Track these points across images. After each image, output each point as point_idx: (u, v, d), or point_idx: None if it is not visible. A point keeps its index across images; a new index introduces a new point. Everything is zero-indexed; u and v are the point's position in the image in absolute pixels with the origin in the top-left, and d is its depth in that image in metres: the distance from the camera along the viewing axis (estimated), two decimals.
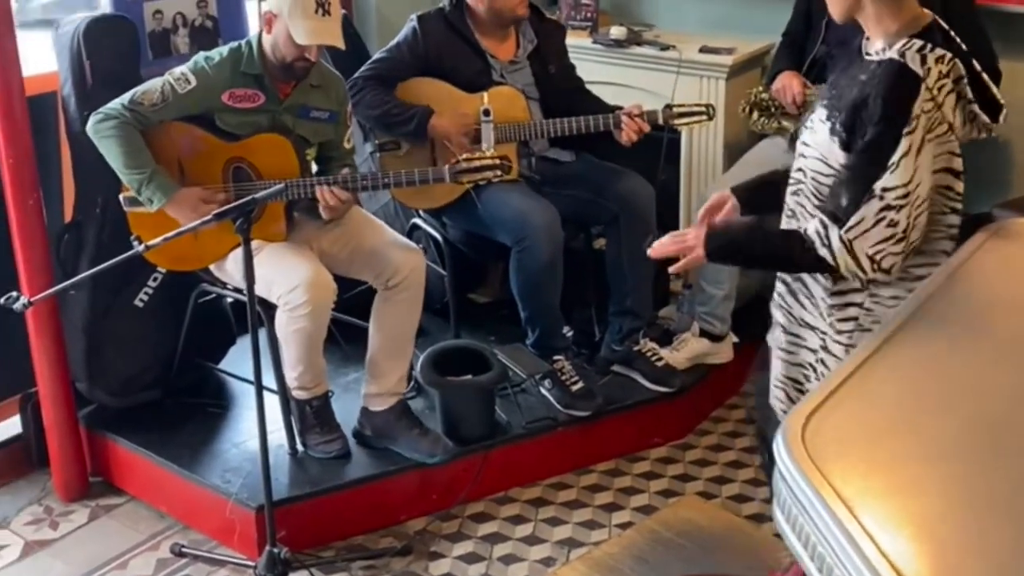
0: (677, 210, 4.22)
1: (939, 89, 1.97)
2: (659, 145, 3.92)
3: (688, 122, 3.45)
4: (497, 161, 3.09)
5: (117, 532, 3.20)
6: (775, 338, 2.33)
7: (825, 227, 2.04)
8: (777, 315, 2.31)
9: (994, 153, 3.75)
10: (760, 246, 2.22)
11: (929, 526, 1.35)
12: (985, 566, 1.25)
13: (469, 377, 3.30)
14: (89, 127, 2.97)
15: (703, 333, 3.65)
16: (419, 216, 3.74)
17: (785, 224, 2.23)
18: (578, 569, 2.91)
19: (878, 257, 2.00)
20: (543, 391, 3.45)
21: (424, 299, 3.25)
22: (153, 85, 3.00)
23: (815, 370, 2.21)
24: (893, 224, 1.97)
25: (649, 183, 3.56)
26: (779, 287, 2.31)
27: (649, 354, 3.54)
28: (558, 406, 3.40)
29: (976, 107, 2.02)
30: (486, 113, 3.38)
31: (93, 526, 3.24)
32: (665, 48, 4.04)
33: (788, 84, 3.53)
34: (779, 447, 1.45)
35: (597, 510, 3.25)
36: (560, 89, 3.60)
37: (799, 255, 2.09)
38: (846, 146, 2.03)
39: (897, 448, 1.49)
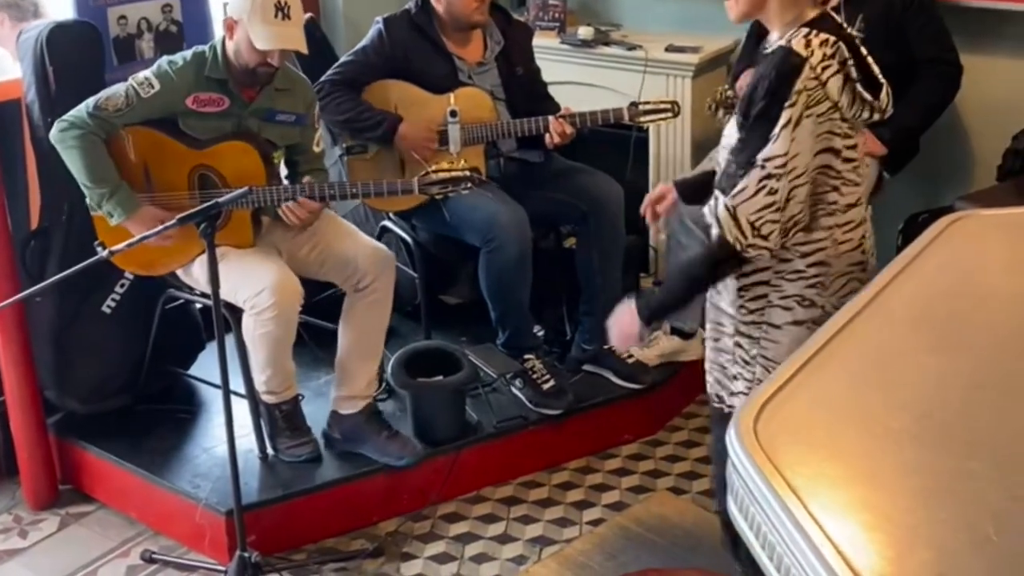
0: None
1: (823, 69, 2.10)
2: (627, 144, 3.94)
3: (654, 119, 3.46)
4: (467, 173, 3.09)
5: (87, 540, 3.19)
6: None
7: (715, 200, 2.17)
8: (707, 304, 2.42)
9: (955, 147, 3.78)
10: (683, 281, 2.34)
11: (878, 514, 1.36)
12: (934, 554, 1.26)
13: (440, 378, 3.31)
14: (53, 135, 2.96)
15: (673, 331, 3.67)
16: (389, 219, 3.74)
17: None
18: (550, 567, 2.92)
19: (758, 224, 2.12)
20: (514, 390, 3.46)
21: (395, 301, 3.26)
22: (117, 90, 2.99)
23: (734, 354, 2.32)
24: (772, 192, 2.10)
25: (618, 182, 3.58)
26: None
27: (619, 352, 3.55)
28: (529, 405, 3.41)
29: (859, 85, 2.14)
30: (453, 114, 3.39)
31: (63, 534, 3.23)
32: (632, 48, 4.06)
33: None
34: (731, 438, 1.47)
35: (568, 507, 3.26)
36: (527, 91, 3.61)
37: (716, 259, 2.20)
38: (741, 127, 2.18)
39: (848, 439, 1.51)
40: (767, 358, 2.26)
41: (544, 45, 4.04)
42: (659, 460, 3.47)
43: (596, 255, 3.51)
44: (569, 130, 3.37)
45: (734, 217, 2.13)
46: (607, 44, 4.13)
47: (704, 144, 3.99)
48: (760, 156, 2.09)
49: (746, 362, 2.30)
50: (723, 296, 2.32)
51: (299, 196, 3.02)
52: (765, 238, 2.13)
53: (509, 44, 3.58)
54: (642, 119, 3.44)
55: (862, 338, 1.72)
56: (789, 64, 2.09)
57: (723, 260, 2.19)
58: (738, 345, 2.31)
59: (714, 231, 2.17)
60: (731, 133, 2.24)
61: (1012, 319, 1.78)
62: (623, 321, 2.35)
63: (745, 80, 3.55)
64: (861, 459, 1.45)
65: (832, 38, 2.11)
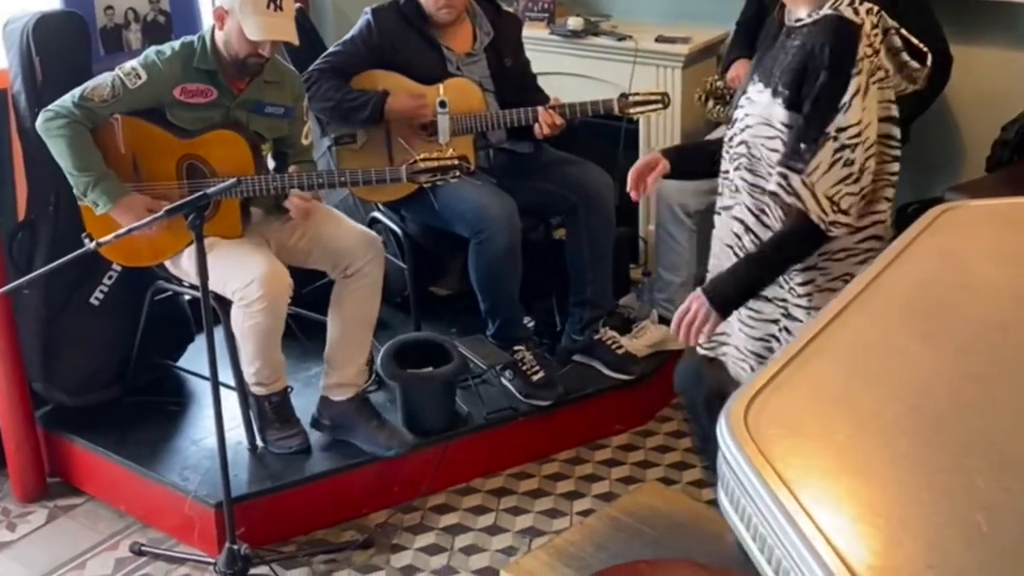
0: (636, 200, 4.22)
1: (874, 37, 2.09)
2: (617, 135, 3.93)
3: (643, 111, 3.46)
4: (455, 161, 3.08)
5: (76, 532, 3.19)
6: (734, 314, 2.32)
7: (786, 177, 2.11)
8: None
9: (946, 137, 3.79)
10: (765, 270, 2.22)
11: (869, 506, 1.35)
12: (924, 546, 1.26)
13: (430, 369, 3.30)
14: (38, 124, 2.95)
15: (662, 320, 3.67)
16: (378, 209, 3.73)
17: (731, 199, 2.31)
18: (539, 558, 2.91)
19: (836, 197, 2.08)
20: (504, 382, 3.45)
21: (384, 292, 3.25)
22: (103, 80, 2.97)
23: (778, 339, 2.27)
24: (849, 163, 2.07)
25: (608, 173, 3.58)
26: (721, 260, 2.38)
27: (609, 342, 3.56)
28: (519, 396, 3.41)
29: (905, 54, 2.13)
30: (442, 105, 3.37)
31: (51, 527, 3.22)
32: (622, 38, 4.05)
33: (742, 72, 3.54)
34: (722, 430, 1.46)
35: (558, 498, 3.26)
36: (516, 82, 3.60)
37: (793, 241, 2.14)
38: (791, 104, 2.11)
39: (839, 430, 1.50)
40: None
41: (533, 36, 4.03)
42: (649, 451, 3.47)
43: (586, 246, 3.51)
44: (559, 121, 3.36)
45: (813, 194, 2.08)
46: (596, 35, 4.12)
47: (693, 134, 3.99)
48: (832, 127, 2.05)
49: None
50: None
51: (287, 185, 3.01)
52: (846, 212, 2.09)
53: (498, 35, 3.57)
54: (632, 110, 3.43)
55: (853, 329, 1.71)
56: (846, 31, 2.05)
57: (806, 238, 2.12)
58: (785, 330, 2.25)
59: (787, 199, 2.10)
60: (761, 109, 2.16)
61: (1003, 310, 1.77)
62: (697, 314, 2.20)
63: (738, 72, 3.55)
64: (852, 451, 1.45)
65: (875, 7, 2.10)
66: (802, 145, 2.09)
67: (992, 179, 3.48)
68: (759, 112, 2.19)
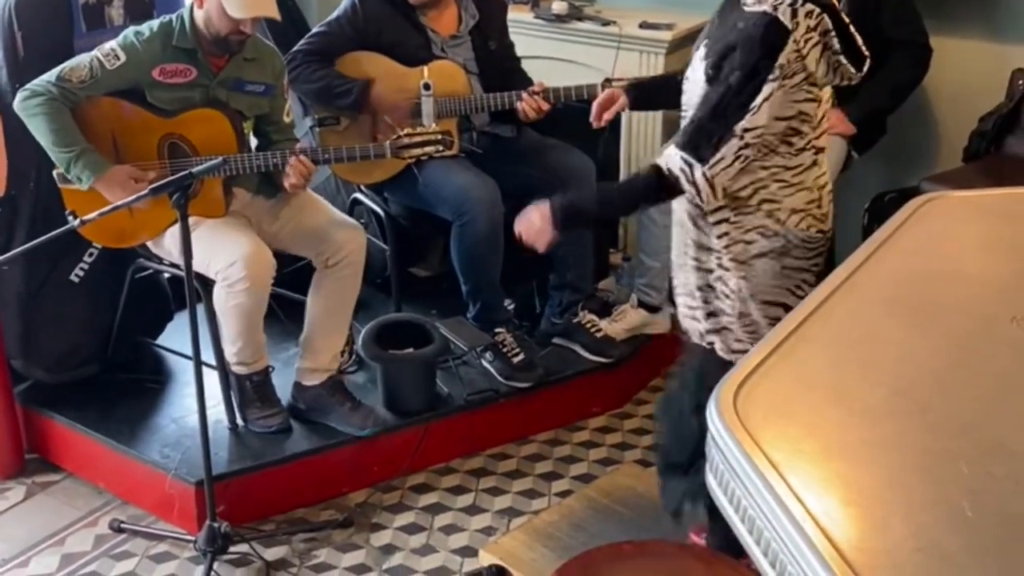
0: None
1: (805, 41, 2.14)
2: None
3: None
4: (439, 136, 3.09)
5: (54, 509, 3.18)
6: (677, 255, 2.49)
7: (689, 165, 2.21)
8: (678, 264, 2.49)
9: (923, 127, 3.83)
10: (611, 198, 2.46)
11: (856, 488, 1.39)
12: (911, 529, 1.29)
13: (411, 350, 3.31)
14: (16, 104, 2.92)
15: (641, 304, 3.69)
16: (360, 191, 3.73)
17: None
18: (518, 538, 2.94)
19: (727, 185, 2.23)
20: (484, 363, 3.47)
21: (365, 273, 3.26)
22: (81, 61, 2.95)
23: (713, 288, 2.39)
24: (745, 159, 2.20)
25: (590, 157, 3.59)
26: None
27: (588, 326, 3.58)
28: (499, 378, 3.43)
29: (842, 58, 2.18)
30: (426, 87, 3.37)
31: (30, 503, 3.21)
32: (606, 23, 4.06)
33: None
34: (711, 414, 1.49)
35: (537, 479, 3.29)
36: (500, 66, 3.60)
37: (651, 191, 2.31)
38: (710, 80, 2.22)
39: (827, 414, 1.54)
40: (742, 291, 2.33)
41: (518, 19, 4.02)
42: (627, 433, 3.51)
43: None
44: (545, 106, 3.37)
45: (711, 185, 2.20)
46: (580, 19, 4.12)
47: (676, 120, 3.99)
48: (739, 127, 2.15)
49: (726, 295, 2.36)
50: (704, 233, 2.36)
51: (271, 163, 3.01)
52: (723, 192, 2.24)
53: (483, 18, 3.57)
54: None
55: (839, 317, 1.75)
56: (774, 35, 2.11)
57: (661, 192, 2.28)
58: (720, 279, 2.37)
59: (684, 186, 2.22)
60: (697, 80, 2.26)
61: (986, 298, 1.81)
62: (534, 219, 2.38)
63: None
64: (839, 435, 1.48)
65: (817, 10, 2.13)
66: (707, 138, 2.19)
67: (969, 169, 3.52)
68: (695, 81, 2.29)
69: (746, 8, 2.21)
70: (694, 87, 2.29)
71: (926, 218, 2.08)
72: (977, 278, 1.90)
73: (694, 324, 2.48)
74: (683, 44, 4.04)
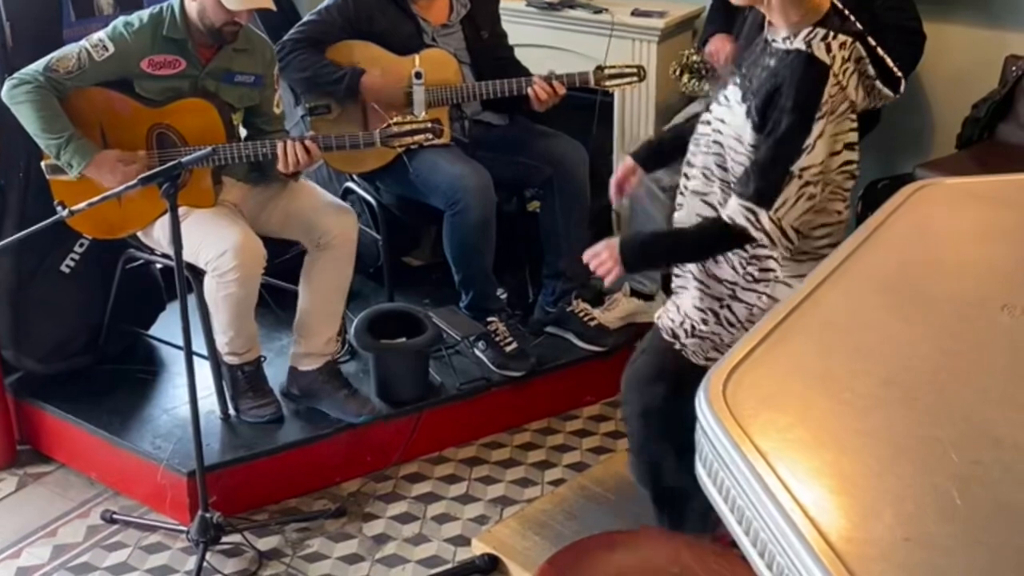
0: (610, 172, 4.22)
1: (844, 73, 2.15)
2: (592, 108, 3.93)
3: (619, 83, 3.45)
4: (428, 124, 3.08)
5: (46, 500, 3.18)
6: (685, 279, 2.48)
7: (754, 212, 2.20)
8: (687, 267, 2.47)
9: (916, 114, 3.82)
10: (681, 248, 2.40)
11: (846, 478, 1.38)
12: (900, 517, 1.29)
13: (403, 340, 3.31)
14: (4, 93, 2.91)
15: (634, 293, 3.69)
16: (352, 180, 3.72)
17: (705, 186, 2.36)
18: (511, 526, 2.95)
19: (799, 226, 2.21)
20: (477, 352, 3.47)
21: (358, 262, 3.25)
22: (69, 51, 2.93)
23: (718, 316, 2.39)
24: (811, 197, 2.19)
25: (582, 145, 3.58)
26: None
27: (581, 314, 3.58)
28: (492, 367, 3.42)
29: (878, 83, 2.19)
30: (417, 76, 3.36)
31: (21, 494, 3.21)
32: (598, 11, 4.04)
33: (720, 47, 3.55)
34: (700, 403, 1.48)
35: (530, 468, 3.29)
36: (492, 55, 3.59)
37: (722, 242, 2.28)
38: (758, 128, 2.19)
39: (816, 404, 1.53)
40: (754, 323, 2.30)
41: (510, 7, 3.99)
42: (619, 421, 3.50)
43: (560, 218, 3.52)
44: (562, 89, 3.36)
45: (780, 228, 2.19)
46: (572, 7, 4.10)
47: (668, 109, 4.00)
48: (796, 167, 2.15)
49: (731, 324, 2.36)
50: (722, 265, 2.36)
51: (260, 152, 2.99)
52: (797, 233, 2.22)
53: (475, 6, 3.55)
54: (608, 83, 3.43)
55: (829, 305, 1.74)
56: (815, 73, 2.11)
57: (735, 240, 2.25)
58: (727, 307, 2.36)
59: (754, 233, 2.20)
60: (737, 123, 2.24)
61: (977, 287, 1.80)
62: (604, 263, 2.36)
63: (716, 46, 3.55)
64: (828, 424, 1.48)
65: (849, 39, 2.14)
66: (766, 181, 2.18)
67: (962, 156, 3.51)
68: (734, 124, 2.26)
69: (775, 45, 2.20)
70: (732, 129, 2.26)
71: (917, 206, 2.07)
72: (968, 266, 1.90)
73: (669, 325, 2.48)
74: (675, 32, 4.03)
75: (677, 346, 2.45)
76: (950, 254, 1.95)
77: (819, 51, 2.11)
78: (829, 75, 2.11)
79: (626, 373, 2.61)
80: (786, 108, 2.13)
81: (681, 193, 2.45)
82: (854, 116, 2.22)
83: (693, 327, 2.42)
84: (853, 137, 2.24)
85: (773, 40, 2.21)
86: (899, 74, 2.23)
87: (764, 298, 2.32)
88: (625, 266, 2.34)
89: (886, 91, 2.20)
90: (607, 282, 2.40)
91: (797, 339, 1.65)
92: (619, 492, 3.09)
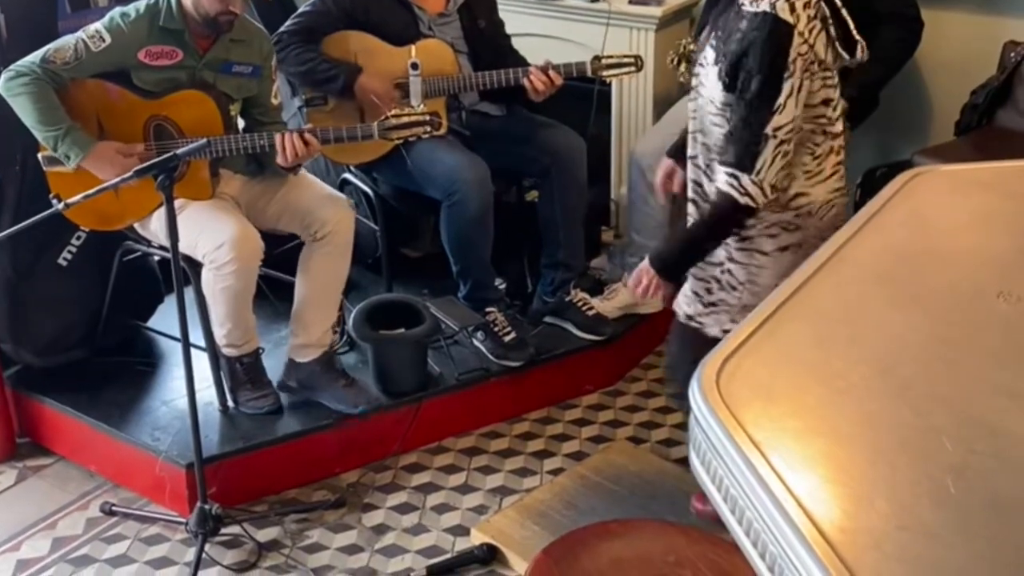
0: (608, 162, 4.24)
1: (810, 31, 2.20)
2: (590, 97, 3.92)
3: (616, 73, 3.44)
4: (427, 117, 3.07)
5: (46, 492, 3.18)
6: None
7: (736, 178, 2.28)
8: None
9: (914, 101, 3.81)
10: (699, 243, 2.46)
11: (839, 468, 1.38)
12: (894, 507, 1.28)
13: (402, 331, 3.31)
14: (0, 85, 2.90)
15: None
16: (350, 171, 3.71)
17: (692, 149, 2.47)
18: (510, 516, 2.95)
19: (776, 182, 2.28)
20: (476, 343, 3.47)
21: (356, 253, 3.25)
22: (66, 43, 2.92)
23: (720, 281, 2.48)
24: (786, 154, 2.25)
25: (580, 135, 3.58)
26: (690, 208, 2.55)
27: (580, 304, 3.57)
28: (491, 357, 3.42)
29: (837, 44, 2.25)
30: (414, 66, 3.35)
31: (21, 487, 3.21)
32: (595, 0, 4.03)
33: None
34: (694, 393, 1.48)
35: (529, 457, 3.29)
36: (490, 44, 3.58)
37: (727, 218, 2.35)
38: (728, 88, 2.27)
39: (810, 393, 1.53)
40: (755, 283, 2.41)
41: None
42: (619, 411, 3.50)
43: (558, 208, 3.51)
44: (559, 80, 3.35)
45: (762, 188, 2.26)
46: None
47: (666, 98, 3.99)
48: (770, 128, 2.21)
49: (733, 287, 2.44)
50: None
51: (257, 144, 2.99)
52: (774, 188, 2.29)
53: None
54: (605, 73, 3.42)
55: (825, 293, 1.73)
56: (780, 33, 2.15)
57: (738, 216, 2.33)
58: (727, 272, 2.45)
59: (740, 200, 2.28)
60: (711, 83, 2.30)
61: (973, 275, 1.80)
62: (650, 285, 2.46)
63: None
64: (823, 413, 1.47)
65: None
66: (743, 146, 2.25)
67: (960, 143, 3.51)
68: (709, 85, 2.33)
69: (744, 8, 2.24)
70: (707, 89, 2.34)
71: (914, 193, 2.07)
72: (965, 253, 1.89)
73: (684, 309, 2.58)
74: (672, 21, 4.02)
75: (695, 324, 2.54)
76: (947, 241, 1.94)
77: (783, 12, 2.16)
78: (794, 34, 2.16)
79: (665, 363, 2.78)
80: (752, 70, 2.19)
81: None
82: (829, 73, 2.27)
83: (701, 299, 2.51)
84: (829, 94, 2.29)
85: (742, 3, 2.25)
86: (857, 38, 2.28)
87: (756, 255, 2.41)
88: (669, 279, 2.45)
89: (843, 54, 2.25)
90: (665, 304, 2.56)
91: (791, 328, 1.65)
92: (618, 481, 3.09)
